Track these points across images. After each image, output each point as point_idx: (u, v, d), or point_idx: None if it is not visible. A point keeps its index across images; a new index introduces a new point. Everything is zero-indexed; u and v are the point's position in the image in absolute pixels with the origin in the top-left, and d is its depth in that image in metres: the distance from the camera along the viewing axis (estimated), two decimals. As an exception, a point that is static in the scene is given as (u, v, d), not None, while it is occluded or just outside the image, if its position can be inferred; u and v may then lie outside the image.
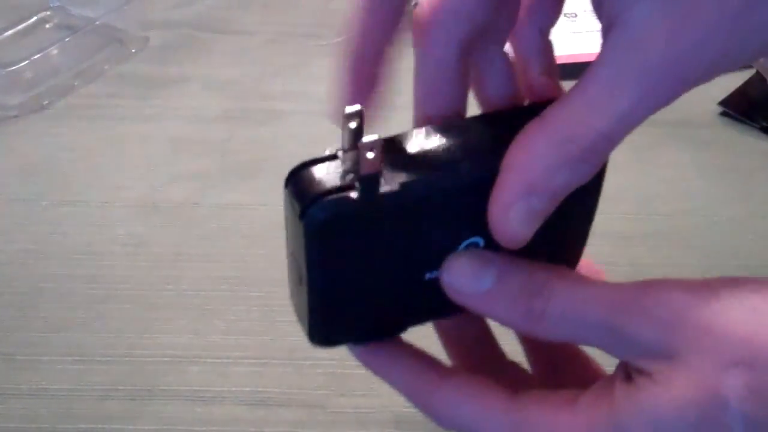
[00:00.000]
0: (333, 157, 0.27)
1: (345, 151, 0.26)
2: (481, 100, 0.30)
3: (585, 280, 0.27)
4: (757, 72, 0.62)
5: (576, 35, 0.72)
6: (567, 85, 0.30)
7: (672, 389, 0.24)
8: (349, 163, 0.26)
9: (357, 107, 0.26)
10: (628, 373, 0.26)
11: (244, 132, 0.65)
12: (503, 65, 0.29)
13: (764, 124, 0.63)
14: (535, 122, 0.25)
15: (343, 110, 0.26)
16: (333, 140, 0.71)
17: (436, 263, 0.28)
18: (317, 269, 0.27)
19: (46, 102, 0.68)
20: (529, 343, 0.33)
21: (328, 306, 0.29)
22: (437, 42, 0.27)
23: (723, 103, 0.64)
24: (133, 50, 0.75)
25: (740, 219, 0.56)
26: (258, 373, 0.46)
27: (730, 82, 0.65)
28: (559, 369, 0.32)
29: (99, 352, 0.48)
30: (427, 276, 0.28)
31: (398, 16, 0.28)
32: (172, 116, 0.67)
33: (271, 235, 0.55)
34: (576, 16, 0.73)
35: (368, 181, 0.25)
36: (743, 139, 0.62)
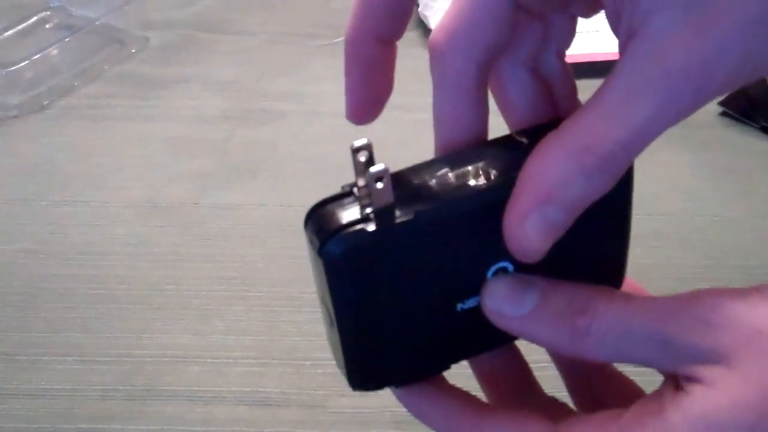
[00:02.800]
0: (348, 194, 0.27)
1: (360, 187, 0.27)
2: (509, 119, 0.30)
3: (629, 296, 0.27)
4: (757, 72, 0.62)
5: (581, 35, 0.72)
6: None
7: (727, 393, 0.24)
8: (364, 198, 0.26)
9: (365, 141, 0.26)
10: (677, 383, 0.26)
11: (244, 132, 0.65)
12: (529, 84, 0.29)
13: (764, 124, 0.63)
14: (552, 134, 0.25)
15: (352, 144, 0.26)
16: (333, 140, 0.71)
17: (467, 292, 0.28)
18: (343, 306, 0.27)
19: (46, 102, 0.68)
20: (568, 370, 0.33)
21: (363, 346, 0.28)
22: (454, 67, 0.27)
23: (723, 103, 0.64)
24: (133, 50, 0.75)
25: (740, 219, 0.56)
26: (258, 373, 0.46)
27: (730, 82, 0.65)
28: (598, 394, 0.32)
29: (99, 352, 0.48)
30: (460, 307, 0.28)
31: (406, 14, 0.28)
32: (172, 116, 0.67)
33: (271, 235, 0.55)
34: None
35: (383, 212, 0.25)
36: (743, 139, 0.62)
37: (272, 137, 0.64)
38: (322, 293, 0.28)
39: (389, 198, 0.25)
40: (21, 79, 0.68)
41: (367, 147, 0.26)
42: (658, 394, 0.26)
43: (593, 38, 0.70)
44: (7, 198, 0.59)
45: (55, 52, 0.71)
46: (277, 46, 0.76)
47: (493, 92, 0.30)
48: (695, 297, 0.26)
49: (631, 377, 0.31)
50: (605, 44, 0.70)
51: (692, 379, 0.25)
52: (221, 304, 0.50)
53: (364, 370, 0.29)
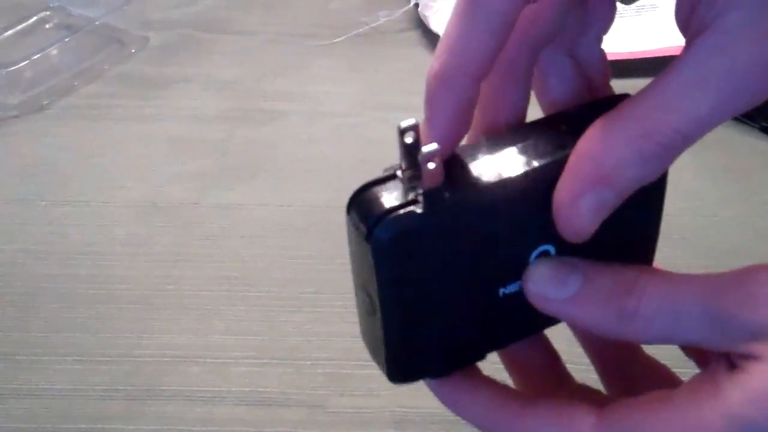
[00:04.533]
0: (392, 177, 0.27)
1: (403, 169, 0.26)
2: (545, 102, 0.30)
3: (674, 275, 0.26)
4: (757, 72, 0.62)
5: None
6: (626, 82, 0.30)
7: None
8: (409, 180, 0.26)
9: (412, 121, 0.25)
10: (730, 363, 0.25)
11: (244, 132, 0.65)
12: (567, 69, 0.29)
13: (764, 124, 0.63)
14: (611, 115, 0.25)
15: (398, 125, 0.25)
16: (333, 140, 0.71)
17: (510, 277, 0.27)
18: (389, 293, 0.26)
19: (46, 102, 0.68)
20: (599, 354, 0.32)
21: (405, 335, 0.28)
22: (510, 52, 0.27)
23: (723, 103, 0.64)
24: (133, 50, 0.75)
25: (740, 219, 0.56)
26: (258, 373, 0.46)
27: (730, 82, 0.65)
28: (631, 378, 0.31)
29: (99, 352, 0.48)
30: (502, 292, 0.28)
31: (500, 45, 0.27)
32: (172, 116, 0.67)
33: (271, 235, 0.55)
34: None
35: (432, 195, 0.25)
36: (743, 139, 0.62)
37: (272, 137, 0.64)
38: (363, 281, 0.28)
39: (438, 179, 0.25)
40: (21, 79, 0.68)
41: (414, 128, 0.25)
42: (710, 374, 0.26)
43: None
44: (7, 198, 0.59)
45: (55, 52, 0.71)
46: (277, 46, 0.76)
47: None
48: (746, 273, 0.25)
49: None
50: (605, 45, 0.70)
51: (748, 357, 0.25)
52: (221, 304, 0.50)
53: (404, 360, 0.28)
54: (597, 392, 0.31)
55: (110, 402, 0.45)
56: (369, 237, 0.26)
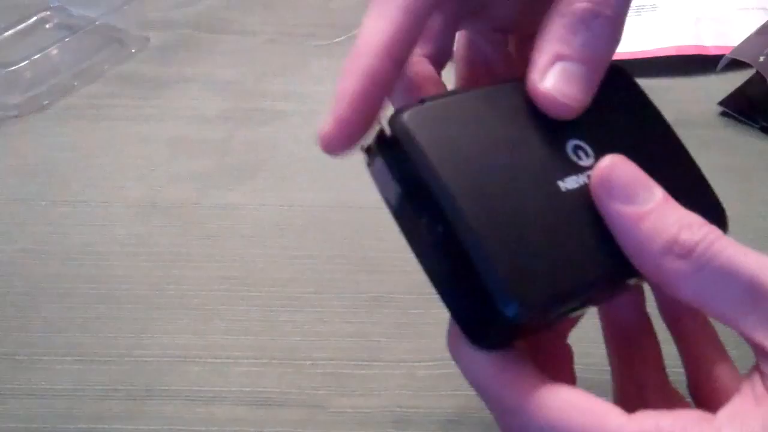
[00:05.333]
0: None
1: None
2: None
3: (742, 246, 0.25)
4: (757, 72, 0.62)
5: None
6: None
7: None
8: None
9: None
10: (765, 380, 0.24)
11: (244, 132, 0.65)
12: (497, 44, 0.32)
13: (764, 124, 0.63)
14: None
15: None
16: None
17: (561, 169, 0.26)
18: (451, 182, 0.24)
19: (46, 102, 0.68)
20: (621, 375, 0.32)
21: (497, 235, 0.24)
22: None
23: (723, 103, 0.64)
24: (133, 50, 0.75)
25: (740, 219, 0.56)
26: (258, 373, 0.46)
27: (730, 82, 0.66)
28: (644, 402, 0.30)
29: (99, 352, 0.48)
30: (563, 186, 0.26)
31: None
32: (172, 116, 0.67)
33: (271, 235, 0.55)
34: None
35: (442, 95, 0.26)
36: (743, 139, 0.62)
37: (272, 137, 0.64)
38: (418, 204, 0.25)
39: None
40: (21, 79, 0.68)
41: None
42: (748, 395, 0.25)
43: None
44: (7, 198, 0.59)
45: (55, 52, 0.70)
46: (277, 46, 0.76)
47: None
48: None
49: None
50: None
51: None
52: (221, 304, 0.50)
53: (516, 275, 0.24)
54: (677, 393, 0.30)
55: (110, 402, 0.45)
56: (404, 128, 0.25)
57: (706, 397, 0.31)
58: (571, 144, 0.27)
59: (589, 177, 0.27)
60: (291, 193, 0.59)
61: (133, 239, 0.55)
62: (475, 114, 0.26)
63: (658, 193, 0.26)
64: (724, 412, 0.25)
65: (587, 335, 0.35)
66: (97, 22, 0.74)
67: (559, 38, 0.27)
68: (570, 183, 0.27)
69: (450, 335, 0.28)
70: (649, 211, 0.26)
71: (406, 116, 0.25)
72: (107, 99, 0.69)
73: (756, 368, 0.25)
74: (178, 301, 0.51)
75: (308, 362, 0.47)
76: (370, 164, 0.27)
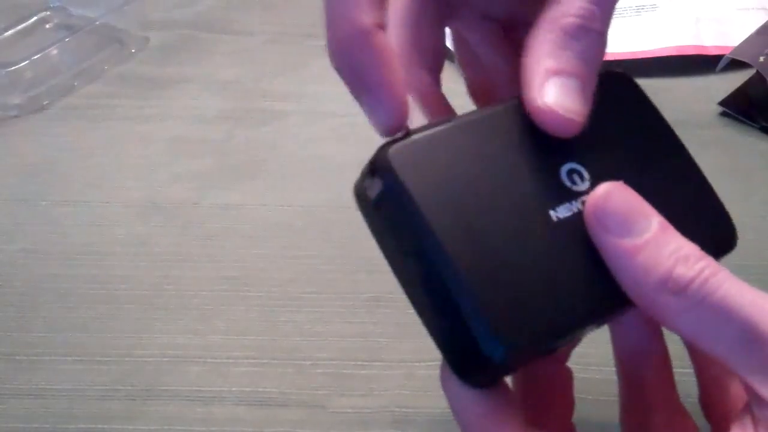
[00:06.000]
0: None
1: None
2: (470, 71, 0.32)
3: (737, 279, 0.25)
4: (757, 72, 0.62)
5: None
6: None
7: None
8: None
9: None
10: (758, 425, 0.24)
11: (244, 132, 0.65)
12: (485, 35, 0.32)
13: (764, 124, 0.63)
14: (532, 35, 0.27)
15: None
16: (333, 140, 0.71)
17: (552, 197, 0.26)
18: (437, 221, 0.24)
19: (46, 102, 0.68)
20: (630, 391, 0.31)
21: (486, 275, 0.23)
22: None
23: (723, 103, 0.64)
24: (133, 50, 0.75)
25: (740, 219, 0.56)
26: (258, 373, 0.46)
27: (730, 82, 0.65)
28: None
29: (99, 352, 0.48)
30: (554, 216, 0.25)
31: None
32: (172, 116, 0.67)
33: (271, 235, 0.55)
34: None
35: (427, 127, 0.25)
36: (743, 139, 0.62)
37: (272, 137, 0.64)
38: (402, 242, 0.25)
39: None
40: (21, 79, 0.68)
41: None
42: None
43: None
44: (7, 198, 0.59)
45: (55, 52, 0.70)
46: (277, 46, 0.76)
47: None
48: None
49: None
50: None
51: None
52: (221, 304, 0.50)
53: (503, 314, 0.23)
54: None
55: (110, 402, 0.45)
56: (386, 169, 0.24)
57: (717, 413, 0.30)
58: (565, 168, 0.26)
59: (583, 203, 0.26)
60: (291, 193, 0.59)
61: (133, 239, 0.55)
62: (463, 146, 0.25)
63: (655, 222, 0.25)
64: None
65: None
66: (97, 22, 0.74)
67: (550, 54, 0.26)
68: (562, 211, 0.26)
69: (442, 368, 0.28)
70: (644, 244, 0.25)
71: (390, 152, 0.25)
72: (107, 99, 0.69)
73: (747, 410, 0.25)
74: (178, 301, 0.51)
75: (308, 362, 0.47)
76: (358, 195, 0.27)
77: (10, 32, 0.75)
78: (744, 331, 0.24)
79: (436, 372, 0.45)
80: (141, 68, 0.73)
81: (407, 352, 0.47)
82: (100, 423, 0.44)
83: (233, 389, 0.46)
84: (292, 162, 0.62)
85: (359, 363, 0.47)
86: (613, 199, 0.25)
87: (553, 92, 0.25)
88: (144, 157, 0.63)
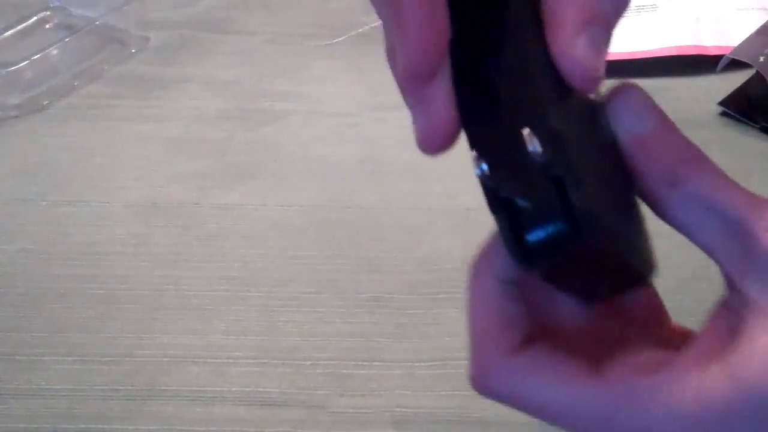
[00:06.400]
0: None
1: None
2: None
3: (732, 181, 0.26)
4: (757, 72, 0.62)
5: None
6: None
7: None
8: None
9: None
10: (730, 317, 0.25)
11: (244, 132, 0.65)
12: None
13: (764, 124, 0.63)
14: None
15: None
16: (333, 140, 0.71)
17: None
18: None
19: (46, 102, 0.68)
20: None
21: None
22: None
23: (723, 103, 0.64)
24: (133, 50, 0.75)
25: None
26: (258, 373, 0.46)
27: (730, 82, 0.65)
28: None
29: (99, 352, 0.48)
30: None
31: None
32: (172, 116, 0.67)
33: (271, 235, 0.55)
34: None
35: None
36: (743, 139, 0.62)
37: (272, 137, 0.64)
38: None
39: None
40: (21, 79, 0.68)
41: None
42: (712, 333, 0.25)
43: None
44: (7, 198, 0.59)
45: (55, 52, 0.70)
46: (277, 46, 0.76)
47: None
48: None
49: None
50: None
51: (754, 308, 0.24)
52: (221, 304, 0.50)
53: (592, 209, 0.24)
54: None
55: (110, 402, 0.45)
56: None
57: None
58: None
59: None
60: (291, 193, 0.59)
61: (133, 239, 0.55)
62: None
63: (662, 118, 0.27)
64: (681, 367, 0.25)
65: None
66: (97, 22, 0.74)
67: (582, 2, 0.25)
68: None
69: (477, 262, 0.27)
70: (653, 137, 0.26)
71: None
72: (107, 99, 0.69)
73: (724, 303, 0.26)
74: (178, 301, 0.51)
75: (308, 362, 0.47)
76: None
77: (10, 32, 0.75)
78: (729, 225, 0.25)
79: (436, 372, 0.46)
80: (141, 68, 0.73)
81: (407, 352, 0.47)
82: (100, 423, 0.44)
83: (233, 389, 0.46)
84: (292, 162, 0.62)
85: (359, 363, 0.47)
86: (633, 94, 0.27)
87: (585, 44, 0.24)
88: (144, 157, 0.63)
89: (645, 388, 0.25)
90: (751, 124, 0.63)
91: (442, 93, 0.24)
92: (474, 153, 0.24)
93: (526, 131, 0.23)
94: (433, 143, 0.25)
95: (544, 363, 0.26)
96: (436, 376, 0.45)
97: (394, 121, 0.63)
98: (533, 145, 0.23)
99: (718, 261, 0.26)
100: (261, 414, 0.44)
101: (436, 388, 0.45)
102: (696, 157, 0.26)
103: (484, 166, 0.24)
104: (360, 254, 0.53)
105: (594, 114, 0.27)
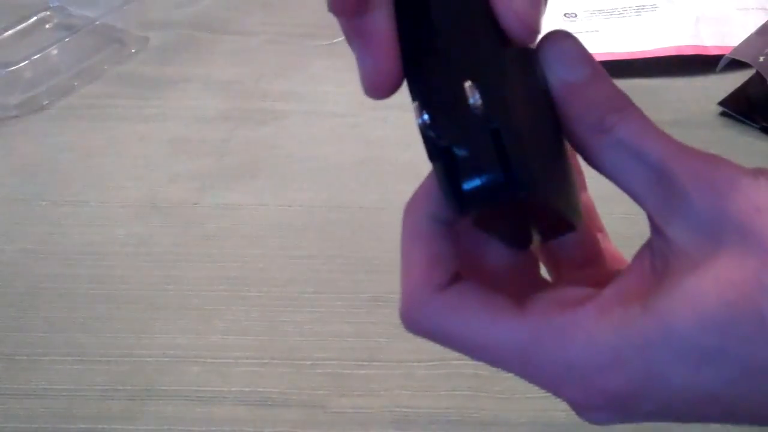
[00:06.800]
0: None
1: None
2: None
3: (662, 131, 0.27)
4: (757, 72, 0.62)
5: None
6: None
7: (715, 270, 0.24)
8: None
9: None
10: (654, 259, 0.25)
11: (244, 132, 0.65)
12: None
13: (764, 124, 0.63)
14: None
15: None
16: (333, 140, 0.71)
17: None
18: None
19: (46, 102, 0.68)
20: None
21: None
22: None
23: (723, 103, 0.64)
24: (133, 50, 0.75)
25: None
26: (258, 373, 0.46)
27: (730, 82, 0.66)
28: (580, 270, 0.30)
29: (99, 352, 0.48)
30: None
31: None
32: (172, 116, 0.67)
33: (271, 235, 0.55)
34: (576, 16, 0.73)
35: None
36: (743, 139, 0.62)
37: (272, 137, 0.64)
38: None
39: None
40: (21, 79, 0.68)
41: None
42: (635, 272, 0.26)
43: (591, 39, 0.70)
44: (7, 198, 0.59)
45: (54, 52, 0.71)
46: (277, 46, 0.76)
47: None
48: (718, 161, 0.26)
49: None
50: (605, 45, 0.70)
51: (673, 247, 0.25)
52: (221, 304, 0.50)
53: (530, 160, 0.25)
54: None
55: (110, 402, 0.45)
56: None
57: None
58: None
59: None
60: (291, 193, 0.59)
61: (133, 239, 0.55)
62: None
63: (595, 68, 0.27)
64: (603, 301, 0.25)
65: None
66: (97, 22, 0.74)
67: None
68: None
69: (412, 201, 0.28)
70: (587, 85, 0.27)
71: None
72: (107, 99, 0.69)
73: (648, 244, 0.27)
74: (178, 301, 0.51)
75: (308, 362, 0.47)
76: None
77: (10, 32, 0.76)
78: (655, 171, 0.26)
79: (436, 372, 0.46)
80: (141, 68, 0.73)
81: (407, 352, 0.47)
82: (100, 423, 0.44)
83: (233, 389, 0.46)
84: (292, 162, 0.62)
85: (359, 363, 0.47)
86: (565, 42, 0.27)
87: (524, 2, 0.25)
88: (144, 157, 0.63)
89: (564, 322, 0.25)
90: (751, 124, 0.63)
91: (381, 32, 0.26)
92: (416, 103, 0.25)
93: (467, 83, 0.24)
94: (378, 89, 0.26)
95: (469, 298, 0.27)
96: (436, 376, 0.45)
97: (394, 121, 0.63)
98: (474, 97, 0.24)
99: (643, 206, 0.26)
100: (261, 414, 0.44)
101: (436, 388, 0.45)
102: (624, 105, 0.27)
103: (426, 116, 0.25)
104: (360, 254, 0.53)
105: (530, 65, 0.27)
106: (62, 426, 0.44)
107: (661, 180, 0.25)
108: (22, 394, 0.46)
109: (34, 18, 0.77)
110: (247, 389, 0.46)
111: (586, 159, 0.27)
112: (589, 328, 0.25)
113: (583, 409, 0.26)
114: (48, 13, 0.78)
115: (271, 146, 0.64)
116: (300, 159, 0.62)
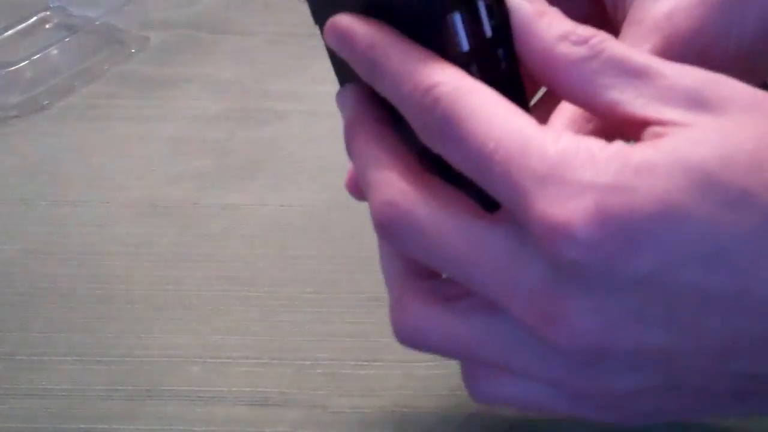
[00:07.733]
0: None
1: None
2: None
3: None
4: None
5: None
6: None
7: (714, 130, 0.22)
8: None
9: None
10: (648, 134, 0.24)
11: (244, 132, 0.65)
12: None
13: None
14: None
15: None
16: (333, 140, 0.71)
17: None
18: None
19: (46, 102, 0.68)
20: None
21: None
22: None
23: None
24: (133, 50, 0.75)
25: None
26: (258, 373, 0.46)
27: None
28: None
29: (99, 352, 0.48)
30: None
31: None
32: (172, 116, 0.67)
33: (271, 235, 0.55)
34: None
35: None
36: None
37: (272, 137, 0.64)
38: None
39: None
40: (21, 79, 0.68)
41: None
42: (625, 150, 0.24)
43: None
44: (7, 198, 0.59)
45: (55, 52, 0.71)
46: (277, 46, 0.76)
47: None
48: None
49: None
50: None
51: (667, 123, 0.23)
52: (221, 304, 0.50)
53: None
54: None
55: (110, 402, 0.45)
56: None
57: None
58: None
59: None
60: (291, 193, 0.59)
61: (133, 239, 0.55)
62: None
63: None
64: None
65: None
66: (97, 22, 0.74)
67: None
68: None
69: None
70: (549, 11, 0.26)
71: None
72: (107, 99, 0.69)
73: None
74: (178, 301, 0.51)
75: (308, 362, 0.47)
76: None
77: (10, 32, 0.75)
78: (633, 71, 0.24)
79: (437, 372, 0.46)
80: (141, 68, 0.73)
81: (407, 352, 0.47)
82: (100, 423, 0.44)
83: (233, 389, 0.46)
84: (292, 162, 0.62)
85: (359, 363, 0.47)
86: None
87: None
88: (144, 157, 0.63)
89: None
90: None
91: None
92: None
93: None
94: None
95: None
96: (436, 376, 0.45)
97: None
98: None
99: (622, 110, 0.25)
100: (261, 414, 0.44)
101: (436, 388, 0.45)
102: (601, 35, 0.26)
103: None
104: (360, 254, 0.53)
105: None
106: (62, 426, 0.44)
107: (639, 72, 0.24)
108: (22, 394, 0.45)
109: (34, 18, 0.77)
110: (247, 389, 0.46)
111: (545, 76, 0.26)
112: (592, 150, 0.23)
113: (559, 233, 0.22)
114: (48, 13, 0.78)
115: (271, 146, 0.64)
116: (300, 159, 0.62)
